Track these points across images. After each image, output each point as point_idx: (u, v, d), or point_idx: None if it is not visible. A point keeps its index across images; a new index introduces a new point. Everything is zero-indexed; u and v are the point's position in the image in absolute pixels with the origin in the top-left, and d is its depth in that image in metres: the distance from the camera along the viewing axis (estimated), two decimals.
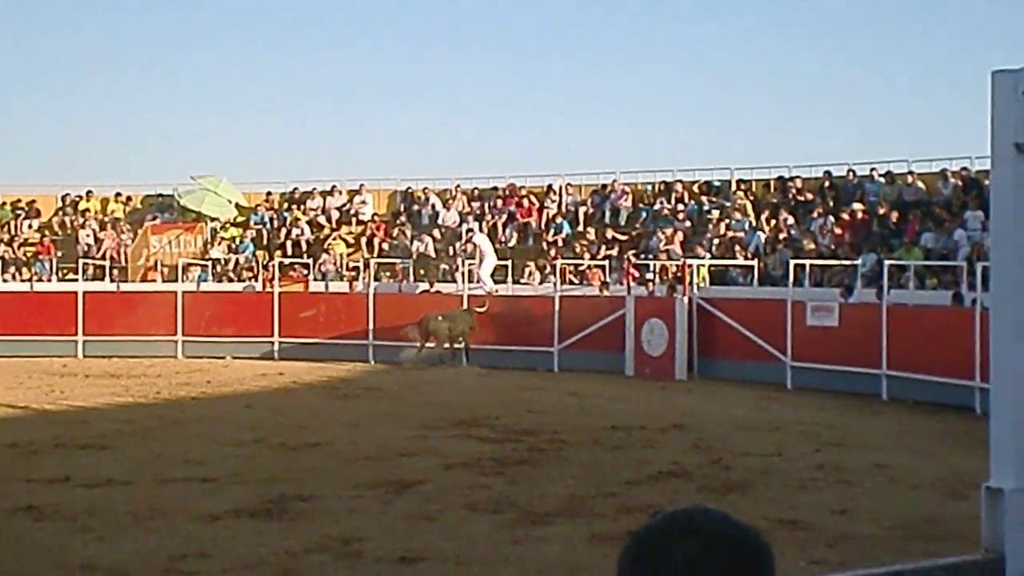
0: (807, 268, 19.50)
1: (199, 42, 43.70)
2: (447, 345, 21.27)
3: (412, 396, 16.90)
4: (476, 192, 27.10)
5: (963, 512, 8.34)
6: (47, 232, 28.25)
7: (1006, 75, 3.20)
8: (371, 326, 22.40)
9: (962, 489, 9.50)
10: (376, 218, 27.00)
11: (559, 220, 25.23)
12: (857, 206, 21.60)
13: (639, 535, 1.67)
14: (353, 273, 24.59)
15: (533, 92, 42.06)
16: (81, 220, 28.18)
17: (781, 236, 21.89)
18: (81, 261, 25.91)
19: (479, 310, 21.39)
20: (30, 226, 28.29)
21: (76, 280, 25.20)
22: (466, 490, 9.85)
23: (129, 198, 29.21)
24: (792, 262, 19.48)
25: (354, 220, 27.23)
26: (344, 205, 27.65)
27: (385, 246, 25.98)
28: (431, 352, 21.17)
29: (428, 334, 21.22)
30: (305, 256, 25.60)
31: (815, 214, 22.06)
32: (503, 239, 25.51)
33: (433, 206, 26.96)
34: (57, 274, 26.20)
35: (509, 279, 23.03)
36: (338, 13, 44.03)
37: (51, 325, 23.28)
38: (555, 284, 22.02)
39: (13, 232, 28.01)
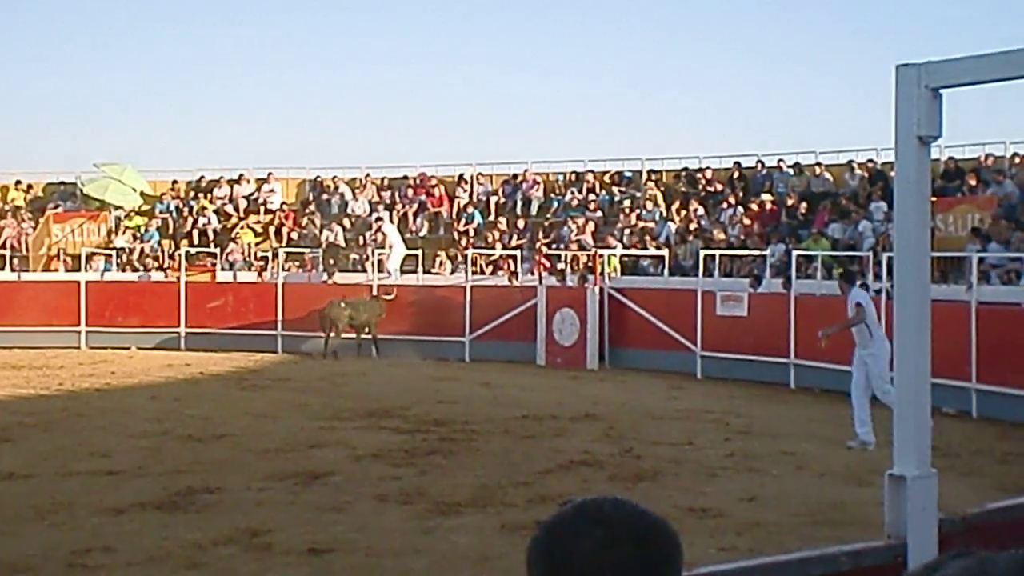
0: (717, 258, 19.73)
1: (101, 26, 42.80)
2: (360, 334, 21.19)
3: (322, 387, 16.75)
4: (386, 181, 26.96)
5: (867, 499, 8.51)
6: None
7: (909, 68, 3.24)
8: (280, 316, 22.18)
9: (867, 476, 9.70)
10: (285, 207, 26.71)
11: (470, 210, 25.21)
12: (766, 197, 21.93)
13: (549, 525, 1.68)
14: (261, 263, 24.31)
15: (444, 81, 41.94)
16: None
17: (691, 227, 22.12)
18: None
19: (387, 298, 21.31)
20: None
21: None
22: (376, 481, 9.80)
23: (30, 186, 28.54)
24: (702, 252, 19.71)
25: (262, 209, 26.89)
26: (252, 194, 27.30)
27: (294, 235, 25.73)
28: (333, 340, 21.04)
29: (329, 321, 21.10)
30: (212, 245, 25.25)
31: (724, 205, 22.33)
32: (414, 229, 25.42)
33: (343, 195, 26.75)
34: None
35: (420, 269, 22.96)
36: (246, 0, 43.44)
37: None
38: (466, 274, 22.00)
39: None
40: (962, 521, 3.50)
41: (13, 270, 24.91)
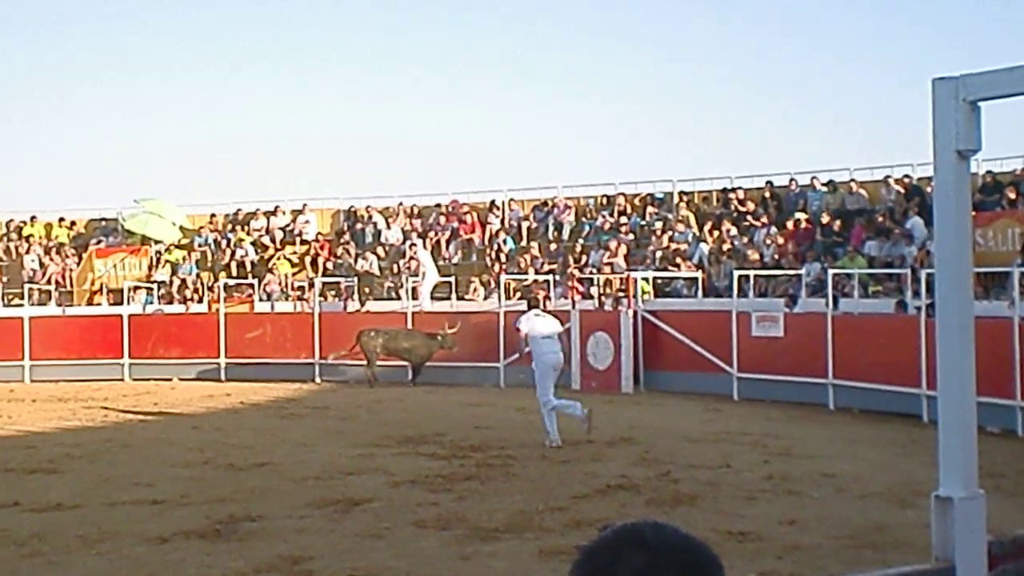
0: (751, 278, 19.66)
1: (140, 66, 43.34)
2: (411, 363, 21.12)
3: (359, 414, 16.82)
4: (418, 210, 27.09)
5: (912, 521, 8.45)
6: None
7: (947, 82, 3.24)
8: (317, 345, 22.29)
9: (911, 498, 9.61)
10: (320, 237, 26.91)
11: (502, 236, 25.27)
12: (800, 215, 21.83)
13: (589, 549, 1.67)
14: (298, 292, 24.47)
15: (474, 108, 42.11)
16: (26, 245, 27.87)
17: (725, 247, 22.06)
18: (26, 286, 25.60)
19: (450, 331, 20.92)
20: None
21: (22, 305, 24.90)
22: (414, 507, 9.82)
23: (73, 222, 28.98)
24: (736, 273, 19.64)
25: (298, 240, 27.12)
26: (288, 225, 27.53)
27: (330, 265, 25.89)
28: (367, 369, 21.07)
29: (363, 350, 21.18)
30: (250, 277, 25.46)
31: (758, 224, 22.27)
32: (447, 256, 25.52)
33: (376, 224, 26.92)
34: (2, 300, 25.86)
35: (453, 295, 23.02)
36: (278, 36, 43.87)
37: None
38: (499, 299, 22.02)
39: None
40: (1011, 543, 3.47)
41: (58, 305, 25.26)
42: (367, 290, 24.11)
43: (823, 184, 22.75)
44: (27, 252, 27.56)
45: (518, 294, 22.69)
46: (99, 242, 27.68)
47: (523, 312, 14.98)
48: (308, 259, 26.34)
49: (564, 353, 14.27)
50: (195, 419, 16.69)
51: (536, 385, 13.94)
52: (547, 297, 21.91)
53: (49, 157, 42.20)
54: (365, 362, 21.13)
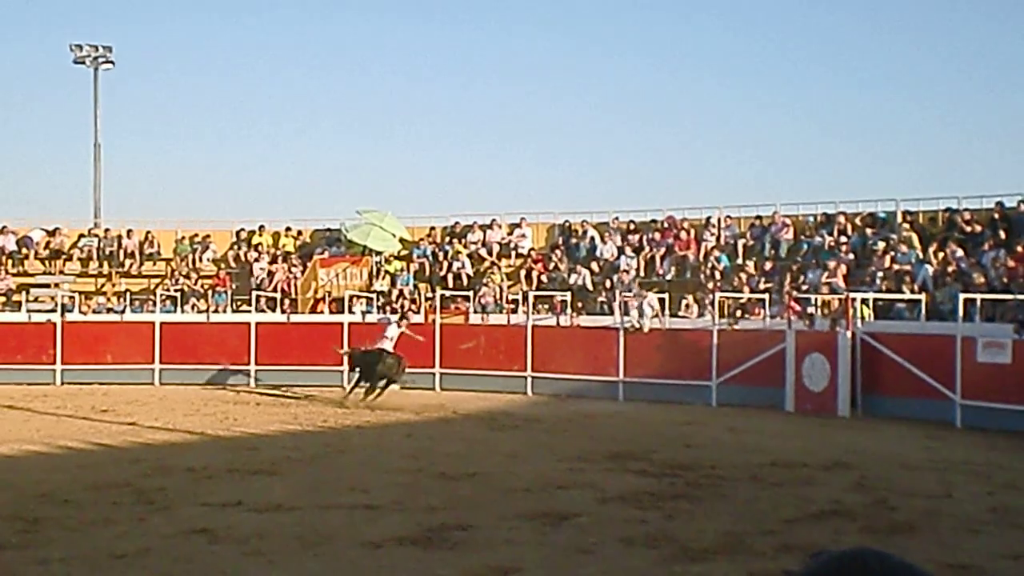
0: (978, 302, 18.87)
1: (365, 85, 44.96)
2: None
3: (570, 428, 16.96)
4: (633, 225, 27.11)
5: None
6: (223, 265, 29.35)
7: None
8: (530, 358, 22.59)
9: None
10: (534, 251, 27.26)
11: (717, 253, 25.02)
12: None
13: (809, 574, 1.63)
14: (512, 306, 24.83)
15: (691, 123, 41.88)
16: (254, 254, 29.16)
17: (950, 269, 21.23)
18: (254, 293, 26.80)
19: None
20: (207, 259, 29.48)
21: (249, 311, 26.09)
22: (622, 524, 9.83)
23: (300, 232, 30.19)
24: (962, 296, 18.88)
25: (513, 253, 27.54)
26: (504, 239, 28.01)
27: (543, 279, 26.19)
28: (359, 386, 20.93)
29: (354, 366, 21.31)
30: (465, 288, 26.00)
31: (986, 247, 21.34)
32: (661, 272, 25.44)
33: (591, 239, 27.07)
34: (231, 305, 27.15)
35: (667, 312, 22.93)
36: (496, 54, 44.74)
37: (225, 355, 24.29)
38: (713, 317, 21.81)
39: (192, 265, 29.21)
40: None
41: (283, 312, 26.33)
42: (580, 305, 24.27)
43: None
44: (256, 260, 28.86)
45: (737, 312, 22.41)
46: (323, 252, 28.72)
47: None
48: (523, 272, 26.73)
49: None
50: (409, 427, 17.16)
51: None
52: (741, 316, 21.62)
53: (278, 169, 44.26)
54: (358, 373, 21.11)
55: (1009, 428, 16.55)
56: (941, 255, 21.81)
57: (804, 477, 12.44)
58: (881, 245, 22.95)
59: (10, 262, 28.56)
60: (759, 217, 25.81)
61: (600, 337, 22.23)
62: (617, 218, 27.38)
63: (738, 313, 22.36)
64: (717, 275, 24.40)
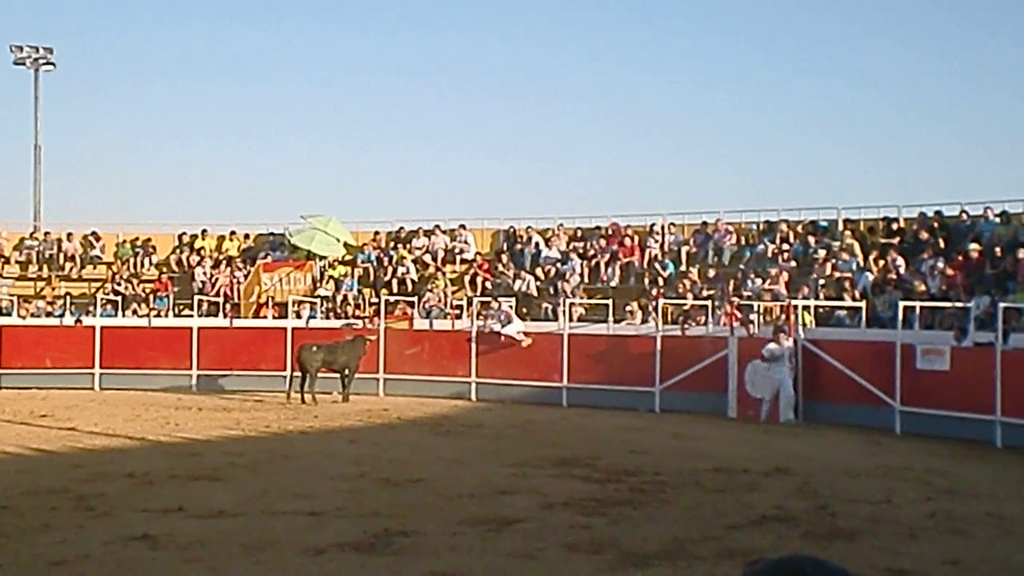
0: (917, 310, 19.11)
1: (310, 88, 44.74)
2: (342, 375, 22.04)
3: (513, 434, 16.96)
4: (579, 232, 27.20)
5: None
6: (165, 269, 29.05)
7: None
8: (473, 364, 22.56)
9: None
10: (479, 257, 27.25)
11: (661, 259, 25.17)
12: (973, 246, 21.12)
13: None
14: (457, 311, 24.80)
15: (635, 131, 42.13)
16: (197, 258, 28.90)
17: (890, 277, 21.51)
18: (196, 297, 26.55)
19: (370, 339, 22.25)
20: (149, 263, 29.17)
21: (191, 316, 25.85)
22: (567, 529, 9.83)
23: (246, 235, 29.97)
24: (901, 304, 19.13)
25: (458, 259, 27.53)
26: (448, 244, 27.98)
27: (488, 284, 26.18)
28: (309, 382, 21.66)
29: (299, 364, 21.78)
30: (410, 294, 25.93)
31: (925, 255, 21.65)
32: (605, 278, 25.55)
33: (536, 245, 27.13)
34: (173, 310, 26.89)
35: (611, 318, 23.02)
36: (442, 57, 44.71)
37: (167, 359, 24.06)
38: (657, 324, 21.93)
39: (133, 269, 28.87)
40: None
41: (226, 316, 26.11)
42: (524, 310, 24.29)
43: (996, 215, 22.02)
44: (198, 264, 28.60)
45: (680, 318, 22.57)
46: (266, 256, 28.54)
47: None
48: (467, 278, 26.71)
49: None
50: (353, 433, 17.08)
51: None
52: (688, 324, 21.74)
53: (220, 177, 43.94)
54: (301, 376, 21.75)
55: (947, 434, 16.78)
56: (881, 263, 22.10)
57: (747, 483, 12.52)
58: (822, 253, 23.22)
59: None
60: (704, 223, 26.01)
61: (544, 343, 22.23)
62: (561, 224, 27.47)
63: (680, 319, 22.49)
64: (661, 281, 24.54)
